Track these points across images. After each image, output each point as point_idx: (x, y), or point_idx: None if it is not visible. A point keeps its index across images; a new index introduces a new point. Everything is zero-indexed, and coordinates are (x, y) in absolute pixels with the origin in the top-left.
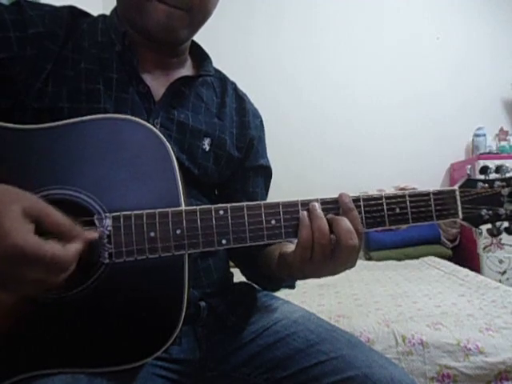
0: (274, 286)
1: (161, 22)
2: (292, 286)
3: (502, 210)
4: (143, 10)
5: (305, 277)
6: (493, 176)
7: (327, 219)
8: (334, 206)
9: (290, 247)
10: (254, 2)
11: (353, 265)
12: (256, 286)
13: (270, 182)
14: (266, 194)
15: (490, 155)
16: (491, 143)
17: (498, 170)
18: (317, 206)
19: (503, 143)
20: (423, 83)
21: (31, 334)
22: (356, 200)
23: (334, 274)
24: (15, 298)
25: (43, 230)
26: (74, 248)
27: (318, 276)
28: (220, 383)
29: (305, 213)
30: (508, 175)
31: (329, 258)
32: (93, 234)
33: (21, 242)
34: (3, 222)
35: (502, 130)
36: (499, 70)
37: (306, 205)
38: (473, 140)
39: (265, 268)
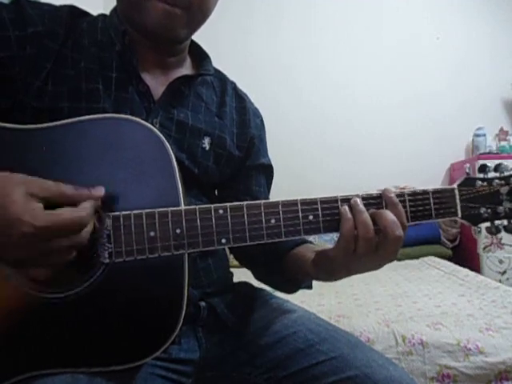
0: (294, 288)
1: (159, 20)
2: (310, 287)
3: (500, 209)
4: (142, 8)
5: (348, 272)
6: (492, 174)
7: (370, 214)
8: (372, 201)
9: (327, 246)
10: (253, 2)
11: (395, 258)
12: (269, 287)
13: (271, 180)
14: (268, 193)
15: (490, 155)
16: (491, 143)
17: (497, 168)
18: (358, 201)
19: (503, 143)
20: (423, 83)
21: (31, 333)
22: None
23: (377, 267)
24: (15, 298)
25: (52, 203)
26: (85, 206)
27: (363, 270)
28: (220, 383)
29: (346, 207)
30: (507, 173)
31: (373, 251)
32: (98, 191)
33: (34, 222)
34: (12, 210)
35: (502, 130)
36: (499, 70)
37: (305, 204)
38: (473, 140)
39: (292, 271)
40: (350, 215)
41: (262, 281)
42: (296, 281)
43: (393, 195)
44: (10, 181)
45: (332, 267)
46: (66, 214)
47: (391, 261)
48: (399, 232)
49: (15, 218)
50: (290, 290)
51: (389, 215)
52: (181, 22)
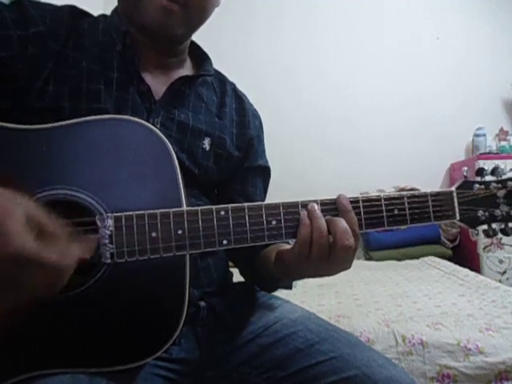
0: (271, 286)
1: (157, 17)
2: (289, 287)
3: (497, 212)
4: (141, 5)
5: (301, 276)
6: (489, 178)
7: (326, 220)
8: (333, 206)
9: (288, 246)
10: (254, 2)
11: (349, 266)
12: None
13: (268, 182)
14: (265, 195)
15: (489, 155)
16: (491, 143)
17: (494, 171)
18: (316, 206)
19: (503, 143)
20: (423, 83)
21: (32, 333)
22: (355, 201)
23: (330, 274)
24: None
25: (44, 237)
26: (73, 254)
27: (315, 275)
28: (220, 383)
29: (305, 212)
30: (504, 177)
31: (326, 257)
32: (93, 240)
33: (22, 246)
34: (7, 225)
35: (502, 130)
36: (499, 70)
37: (306, 206)
38: (473, 140)
39: (262, 268)
40: (307, 221)
41: (245, 278)
42: (271, 280)
43: (345, 202)
44: (15, 199)
45: (286, 270)
46: (55, 254)
47: (345, 268)
48: (349, 242)
49: (7, 234)
50: (268, 288)
51: (342, 224)
52: (178, 20)
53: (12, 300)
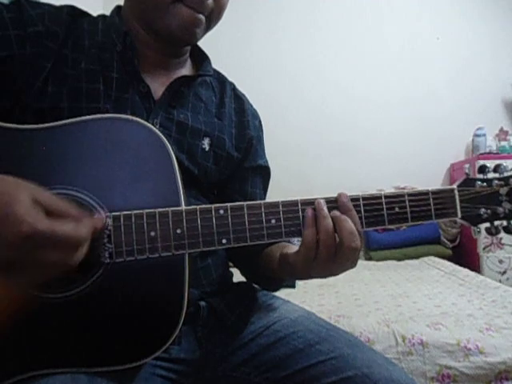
0: (274, 286)
1: (185, 24)
2: (292, 286)
3: (500, 209)
4: (168, 11)
5: (308, 277)
6: (491, 175)
7: (331, 217)
8: (333, 205)
9: (292, 248)
10: (254, 2)
11: (354, 265)
12: (256, 286)
13: (268, 182)
14: (265, 195)
15: (490, 155)
16: (491, 143)
17: (496, 169)
18: (322, 203)
19: (503, 143)
20: (423, 83)
21: (32, 333)
22: (355, 199)
23: (335, 274)
24: (16, 298)
25: (53, 215)
26: (85, 226)
27: (321, 276)
28: (220, 383)
29: (309, 212)
30: (506, 174)
31: (333, 258)
32: (101, 218)
33: (35, 225)
34: (16, 209)
35: (501, 130)
36: (499, 70)
37: (306, 204)
38: (473, 140)
39: (265, 268)
40: (312, 221)
41: (246, 278)
42: (274, 279)
43: (346, 200)
44: (18, 183)
45: (293, 271)
46: (67, 226)
47: (351, 268)
48: (355, 243)
49: (17, 217)
50: (271, 288)
51: (349, 225)
52: (201, 28)
53: (37, 276)
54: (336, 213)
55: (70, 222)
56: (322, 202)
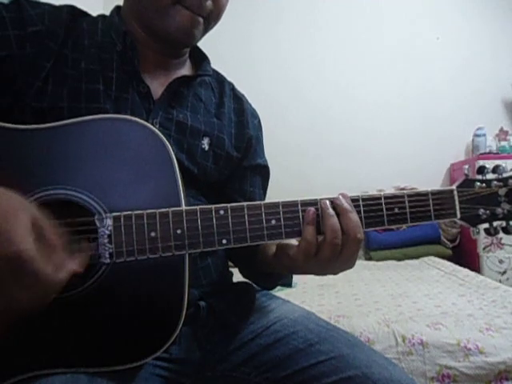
0: (270, 283)
1: (184, 26)
2: (288, 285)
3: (499, 210)
4: (166, 13)
5: (305, 272)
6: (490, 176)
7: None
8: (336, 205)
9: (290, 241)
10: (254, 2)
11: (352, 264)
12: (254, 285)
13: (267, 181)
14: (264, 194)
15: (489, 155)
16: (491, 143)
17: (495, 170)
18: (328, 203)
19: (503, 143)
20: (423, 83)
21: (32, 333)
22: (355, 200)
23: (335, 272)
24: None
25: (43, 243)
26: (66, 269)
27: (320, 273)
28: (220, 383)
29: (311, 211)
30: (505, 175)
31: (337, 256)
32: (86, 259)
33: (21, 248)
34: (14, 227)
35: (501, 130)
36: (499, 70)
37: (306, 204)
38: (473, 140)
39: (261, 263)
40: (312, 218)
41: (243, 275)
42: (269, 275)
43: (345, 201)
44: (23, 203)
45: (291, 265)
46: (47, 270)
47: (349, 267)
48: (361, 235)
49: (11, 236)
50: (267, 284)
51: (354, 217)
52: (199, 29)
53: (7, 302)
54: (341, 206)
55: (55, 260)
56: (328, 202)
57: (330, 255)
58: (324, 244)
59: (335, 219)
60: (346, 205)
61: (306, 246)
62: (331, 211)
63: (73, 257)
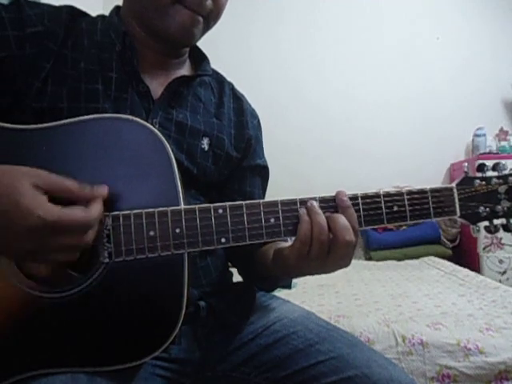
0: (269, 285)
1: (184, 26)
2: (288, 287)
3: (498, 208)
4: (166, 12)
5: (300, 273)
6: (490, 174)
7: (325, 217)
8: (332, 203)
9: (286, 244)
10: (254, 2)
11: (348, 263)
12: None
13: (267, 182)
14: (264, 194)
15: (490, 155)
16: (491, 143)
17: (495, 167)
18: (315, 203)
19: (503, 143)
20: (423, 83)
21: (31, 333)
22: (354, 198)
23: (328, 271)
24: (16, 298)
25: (56, 198)
26: (95, 207)
27: (314, 273)
28: (220, 383)
29: (304, 210)
30: (505, 173)
31: (326, 254)
32: (102, 190)
33: (41, 213)
34: (20, 201)
35: (501, 130)
36: (499, 70)
37: (304, 203)
38: (473, 140)
39: (260, 265)
40: (307, 217)
41: (242, 277)
42: (268, 278)
43: (345, 198)
44: (14, 173)
45: (285, 267)
46: (77, 212)
47: (345, 266)
48: (349, 237)
49: (23, 209)
50: (266, 287)
51: (342, 220)
52: (199, 29)
53: (63, 256)
54: (330, 213)
55: (77, 207)
56: (314, 202)
57: (318, 252)
58: (312, 241)
59: (322, 217)
60: (327, 213)
61: (299, 245)
62: (317, 209)
63: (91, 194)
